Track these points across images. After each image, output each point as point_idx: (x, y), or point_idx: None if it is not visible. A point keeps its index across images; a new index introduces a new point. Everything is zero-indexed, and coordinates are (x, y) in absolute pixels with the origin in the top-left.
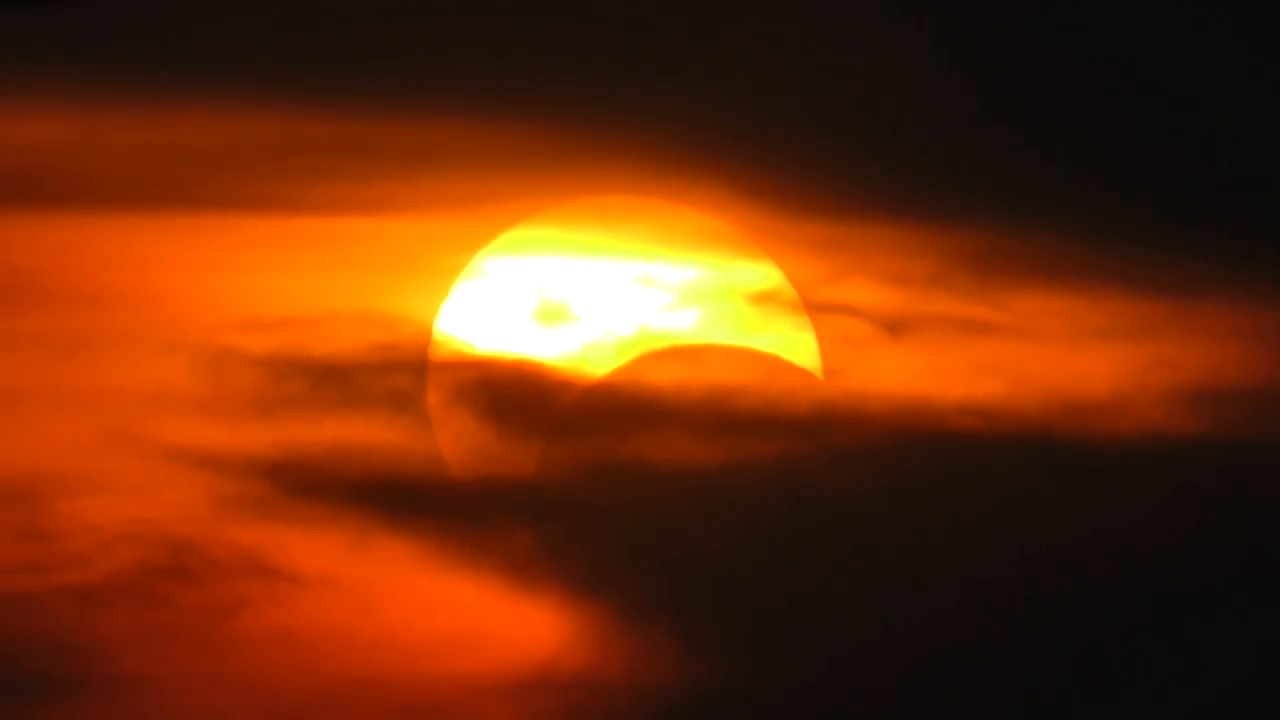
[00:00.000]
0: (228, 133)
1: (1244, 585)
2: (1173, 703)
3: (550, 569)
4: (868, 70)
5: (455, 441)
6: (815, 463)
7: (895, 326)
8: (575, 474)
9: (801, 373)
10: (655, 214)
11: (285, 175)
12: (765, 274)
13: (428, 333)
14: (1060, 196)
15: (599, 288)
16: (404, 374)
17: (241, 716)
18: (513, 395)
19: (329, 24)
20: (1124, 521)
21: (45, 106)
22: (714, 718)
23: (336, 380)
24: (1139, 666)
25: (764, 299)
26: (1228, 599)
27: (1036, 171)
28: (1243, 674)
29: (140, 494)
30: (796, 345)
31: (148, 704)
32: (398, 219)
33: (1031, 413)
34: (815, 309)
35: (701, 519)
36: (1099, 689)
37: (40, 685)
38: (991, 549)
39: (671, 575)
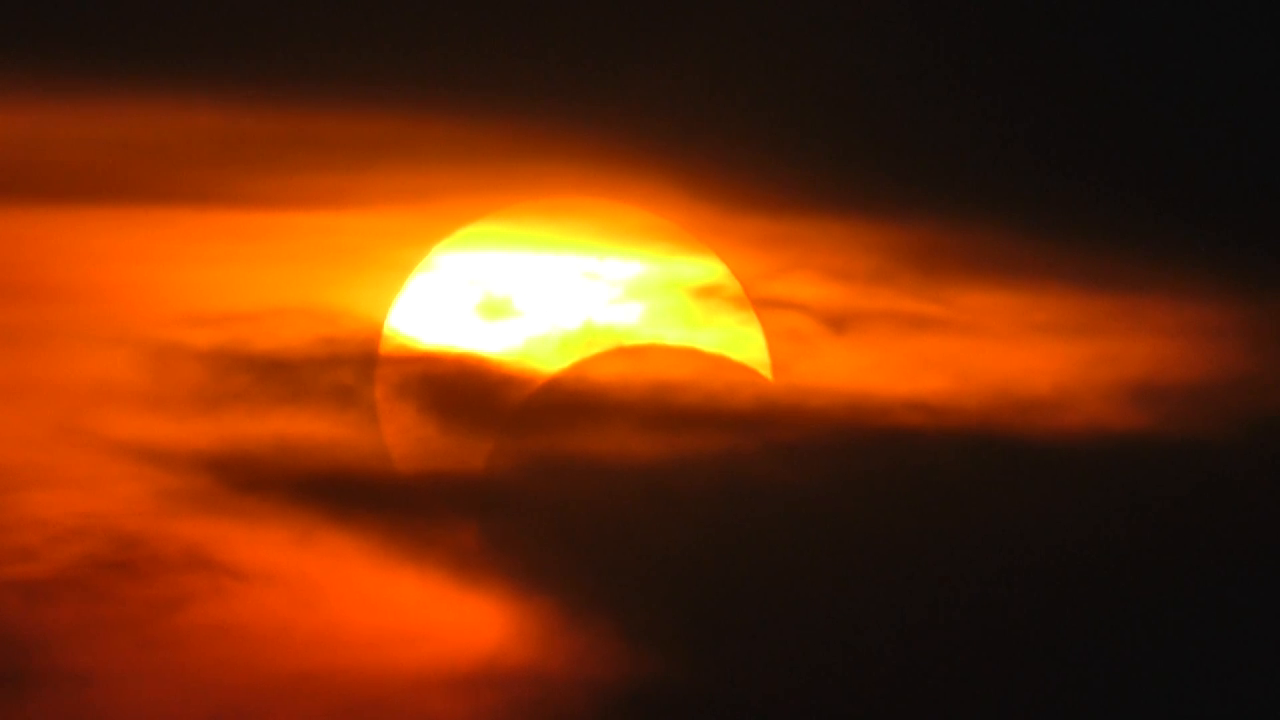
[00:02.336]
0: (171, 126)
1: (1188, 577)
2: (1119, 690)
3: (494, 564)
4: (811, 67)
5: (400, 436)
6: (759, 457)
7: (839, 322)
8: (520, 469)
9: (745, 368)
10: (600, 211)
11: (229, 169)
12: (709, 269)
13: (373, 328)
14: (1005, 193)
15: (544, 283)
16: (348, 369)
17: (185, 710)
18: (458, 390)
19: (277, 17)
20: (1068, 515)
21: None
22: (657, 711)
23: (280, 375)
24: (1084, 657)
25: (708, 293)
26: (1171, 591)
27: (981, 168)
28: (1188, 663)
29: (85, 488)
30: (741, 340)
31: (92, 698)
32: (343, 213)
33: (976, 408)
34: (759, 304)
35: (645, 514)
36: (1044, 678)
37: None
38: (936, 543)
39: (615, 570)
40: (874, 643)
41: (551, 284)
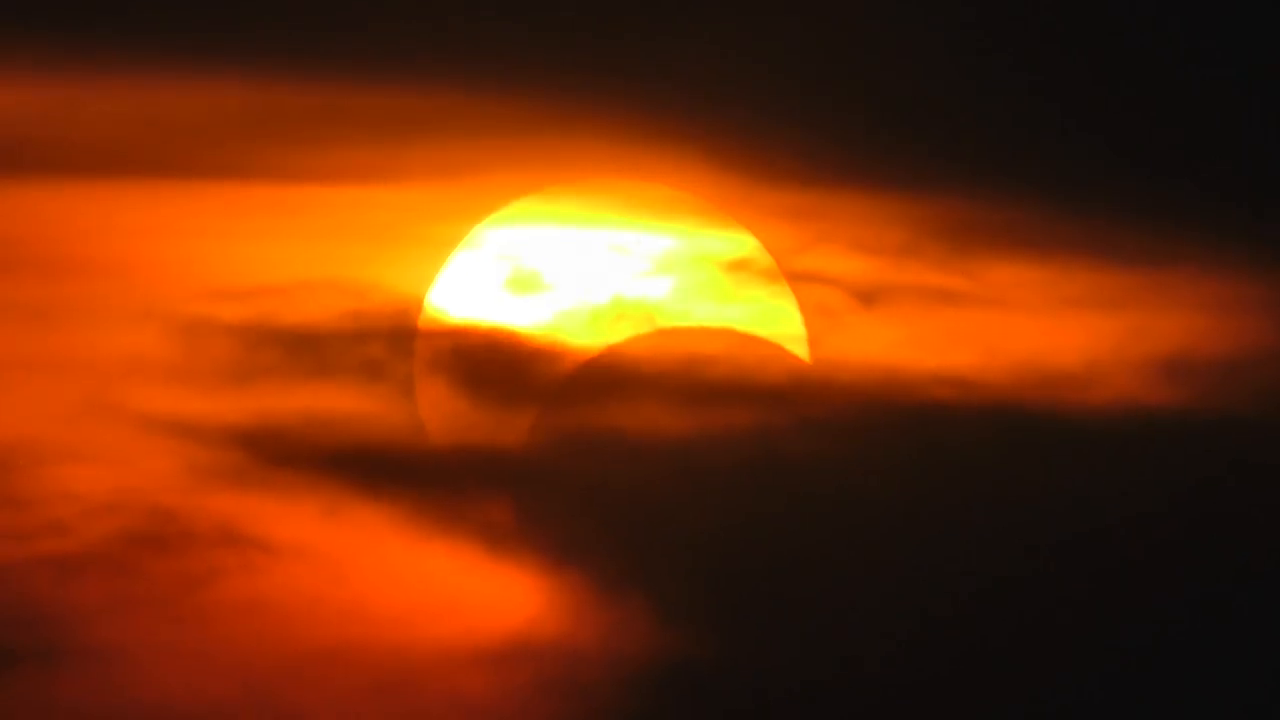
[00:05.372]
0: (205, 100)
1: (1217, 553)
2: (1145, 666)
3: (526, 538)
4: (840, 41)
5: (430, 410)
6: (789, 432)
7: (868, 296)
8: (552, 444)
9: (775, 343)
10: (629, 188)
11: (263, 143)
12: (740, 242)
13: (402, 302)
14: (1033, 166)
15: (575, 258)
16: (378, 343)
17: (215, 685)
18: (488, 364)
19: None
20: (1097, 490)
21: (19, 74)
22: (687, 687)
23: (310, 349)
24: (1111, 633)
25: (739, 267)
26: (1200, 567)
27: (1009, 142)
28: (1214, 640)
29: (116, 463)
30: (773, 313)
31: (122, 673)
32: (372, 188)
33: (1004, 383)
34: (788, 278)
35: (676, 489)
36: (1071, 655)
37: (12, 655)
38: (965, 518)
39: (646, 545)
40: (903, 618)
41: (582, 259)
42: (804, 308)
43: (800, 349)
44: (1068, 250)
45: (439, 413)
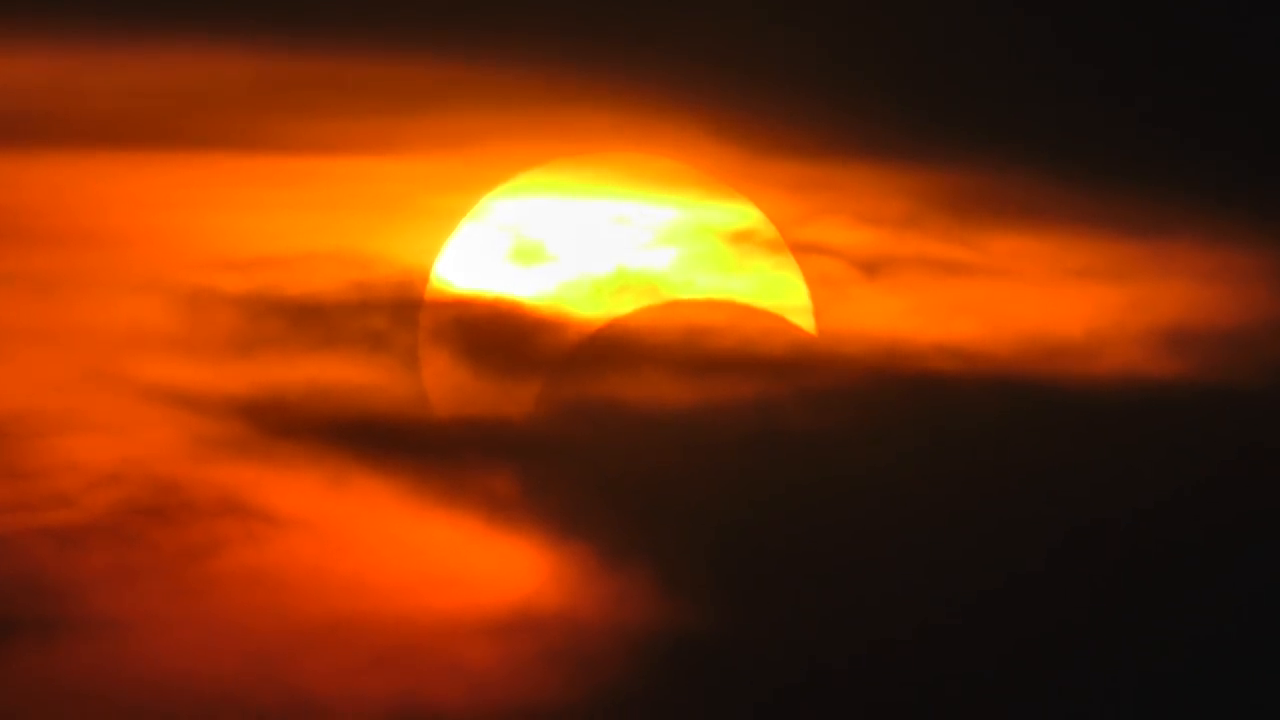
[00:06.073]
0: (211, 70)
1: (1219, 524)
2: (1148, 640)
3: (529, 509)
4: (843, 12)
5: (434, 381)
6: (792, 403)
7: (871, 267)
8: (555, 415)
9: (778, 313)
10: (632, 161)
11: (268, 114)
12: (743, 213)
13: (406, 273)
14: (1036, 137)
15: (578, 229)
16: (382, 314)
17: (218, 656)
18: (492, 336)
19: None
20: (1100, 461)
21: (23, 46)
22: (691, 657)
23: (314, 320)
24: (1112, 604)
25: (742, 238)
26: (1203, 539)
27: (1013, 113)
28: (1215, 612)
29: (119, 434)
30: (775, 284)
31: (125, 644)
32: (377, 159)
33: (1008, 354)
34: (791, 249)
35: (679, 460)
36: (1071, 628)
37: (15, 625)
38: (967, 489)
39: (649, 515)
40: (905, 590)
41: (585, 231)
42: (807, 279)
43: (803, 320)
44: (1071, 221)
45: (443, 384)
